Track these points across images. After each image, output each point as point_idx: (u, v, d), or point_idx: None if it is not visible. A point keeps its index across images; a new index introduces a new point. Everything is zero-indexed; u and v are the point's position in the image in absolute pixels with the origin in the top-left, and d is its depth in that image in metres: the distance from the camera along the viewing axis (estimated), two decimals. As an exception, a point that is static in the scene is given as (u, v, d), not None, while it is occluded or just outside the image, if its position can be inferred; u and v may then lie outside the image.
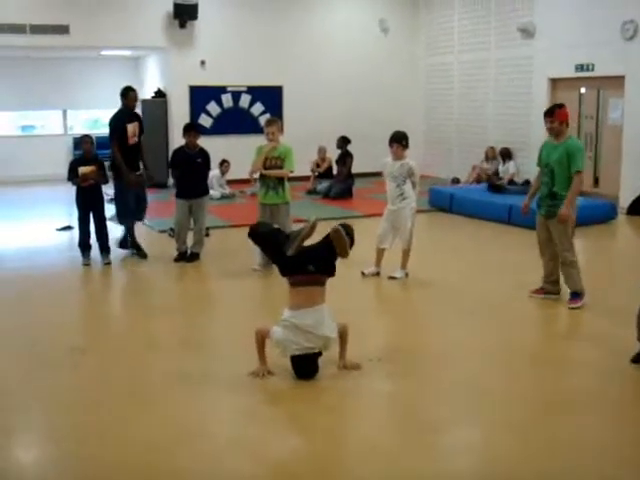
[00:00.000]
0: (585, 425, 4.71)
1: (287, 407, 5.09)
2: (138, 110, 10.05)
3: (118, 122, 9.42)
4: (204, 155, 9.25)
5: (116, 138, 9.27)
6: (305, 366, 5.36)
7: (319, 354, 5.39)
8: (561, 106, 7.31)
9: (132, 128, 9.31)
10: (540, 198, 7.36)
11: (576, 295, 7.26)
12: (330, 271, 5.53)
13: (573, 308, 7.18)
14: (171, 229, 9.64)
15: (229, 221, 11.84)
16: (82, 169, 8.93)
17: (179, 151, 9.32)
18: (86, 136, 9.42)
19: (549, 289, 7.50)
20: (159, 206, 12.08)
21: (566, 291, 7.38)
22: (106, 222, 9.31)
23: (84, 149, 9.19)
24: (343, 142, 14.90)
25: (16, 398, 5.26)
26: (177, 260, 9.15)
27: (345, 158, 14.82)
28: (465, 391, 5.32)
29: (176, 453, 4.36)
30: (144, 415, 4.90)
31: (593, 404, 5.03)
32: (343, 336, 5.52)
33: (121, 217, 9.61)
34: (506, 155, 14.84)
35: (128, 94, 9.44)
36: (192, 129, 9.28)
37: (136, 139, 9.35)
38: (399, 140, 8.14)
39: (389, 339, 6.59)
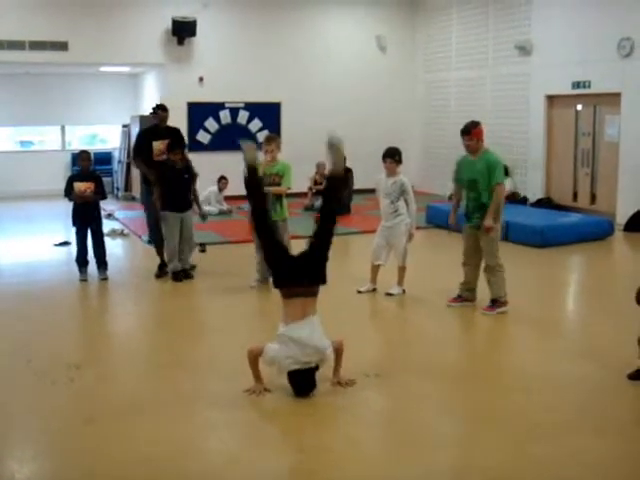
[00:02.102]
0: (585, 443, 4.69)
1: (284, 424, 5.08)
2: (135, 127, 9.98)
3: (140, 138, 9.51)
4: (188, 168, 9.13)
5: (138, 154, 9.35)
6: (302, 381, 5.35)
7: (316, 369, 5.37)
8: (477, 125, 7.62)
9: (160, 145, 9.19)
10: (469, 211, 7.69)
11: (494, 302, 7.57)
12: (322, 278, 5.50)
13: (486, 314, 7.51)
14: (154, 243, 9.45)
15: (226, 237, 11.85)
16: (78, 185, 8.94)
17: (165, 166, 9.02)
18: (83, 152, 9.35)
19: (467, 296, 7.80)
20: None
21: (482, 299, 7.72)
22: (103, 238, 9.30)
23: (81, 165, 9.17)
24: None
25: (11, 412, 5.24)
26: (178, 280, 9.03)
27: (346, 174, 14.83)
28: (461, 407, 5.32)
29: (172, 470, 4.35)
30: (139, 431, 4.88)
31: (591, 421, 5.02)
32: (338, 352, 5.50)
33: (150, 234, 9.61)
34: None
35: (156, 112, 9.47)
36: (176, 147, 9.01)
37: (165, 157, 9.09)
38: (392, 155, 8.17)
39: (386, 355, 6.58)
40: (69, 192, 8.99)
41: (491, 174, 7.46)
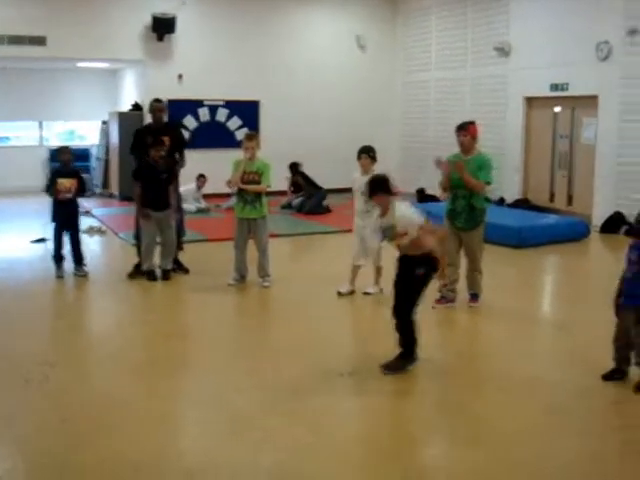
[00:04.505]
0: (559, 444, 4.72)
1: (265, 423, 5.01)
2: (114, 124, 9.68)
3: (136, 135, 9.23)
4: (169, 169, 8.90)
5: (131, 152, 9.17)
6: None
7: None
8: (472, 123, 7.81)
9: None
10: (455, 212, 7.69)
11: (477, 296, 7.79)
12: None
13: (474, 306, 7.77)
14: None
15: (204, 235, 11.82)
16: (62, 182, 8.88)
17: (144, 165, 8.88)
18: (65, 147, 9.32)
19: (451, 297, 7.84)
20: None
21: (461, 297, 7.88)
22: (79, 235, 9.25)
23: (63, 160, 9.09)
24: (292, 168, 15.35)
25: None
26: (152, 279, 8.90)
27: (296, 177, 15.17)
28: (436, 407, 5.34)
29: (148, 469, 4.33)
30: (115, 431, 4.85)
31: (564, 423, 5.06)
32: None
33: (137, 232, 9.25)
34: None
35: (150, 105, 9.29)
36: (158, 144, 8.72)
37: (162, 153, 8.78)
38: (367, 152, 8.15)
39: (360, 353, 6.57)
40: (51, 188, 8.93)
41: (480, 172, 7.53)
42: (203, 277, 9.11)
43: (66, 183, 8.88)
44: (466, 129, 7.66)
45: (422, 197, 16.05)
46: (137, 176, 8.90)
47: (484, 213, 7.70)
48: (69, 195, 8.89)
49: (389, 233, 5.86)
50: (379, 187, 5.92)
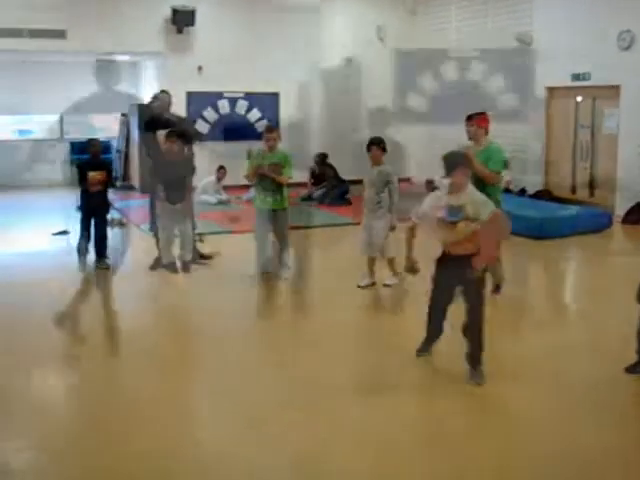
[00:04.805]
0: (581, 438, 4.70)
1: (283, 418, 5.02)
2: (134, 116, 9.75)
3: (146, 127, 9.31)
4: (186, 163, 8.92)
5: (145, 147, 9.23)
6: None
7: None
8: (481, 113, 7.80)
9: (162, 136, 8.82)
10: None
11: (499, 287, 7.76)
12: None
13: (495, 298, 7.63)
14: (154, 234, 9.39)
15: (225, 227, 11.84)
16: (93, 174, 8.93)
17: (161, 163, 8.82)
18: (94, 139, 9.40)
19: None
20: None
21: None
22: (107, 228, 9.33)
23: (92, 152, 9.16)
24: (319, 158, 15.32)
25: (8, 405, 5.23)
26: (173, 271, 8.91)
27: (322, 168, 15.18)
28: (459, 401, 5.32)
29: (168, 464, 4.36)
30: (136, 425, 4.88)
31: (588, 415, 5.02)
32: None
33: (152, 223, 9.32)
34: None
35: (158, 96, 9.35)
36: (172, 135, 8.65)
37: (176, 147, 8.66)
38: (378, 143, 8.11)
39: (380, 347, 6.55)
40: (83, 181, 9.00)
41: (489, 161, 7.49)
42: (224, 269, 9.12)
43: (97, 176, 8.96)
44: (471, 120, 7.67)
45: (433, 189, 15.96)
46: (157, 175, 8.87)
47: (498, 205, 7.58)
48: (99, 187, 8.98)
49: (457, 214, 5.48)
50: (461, 161, 5.63)
